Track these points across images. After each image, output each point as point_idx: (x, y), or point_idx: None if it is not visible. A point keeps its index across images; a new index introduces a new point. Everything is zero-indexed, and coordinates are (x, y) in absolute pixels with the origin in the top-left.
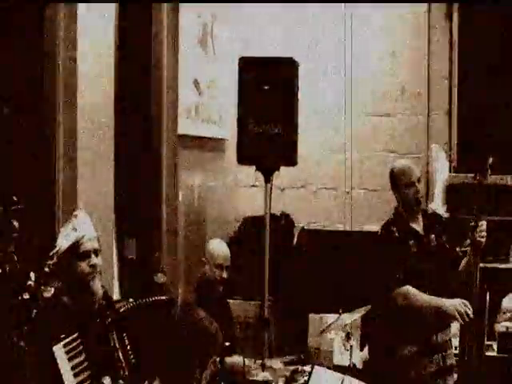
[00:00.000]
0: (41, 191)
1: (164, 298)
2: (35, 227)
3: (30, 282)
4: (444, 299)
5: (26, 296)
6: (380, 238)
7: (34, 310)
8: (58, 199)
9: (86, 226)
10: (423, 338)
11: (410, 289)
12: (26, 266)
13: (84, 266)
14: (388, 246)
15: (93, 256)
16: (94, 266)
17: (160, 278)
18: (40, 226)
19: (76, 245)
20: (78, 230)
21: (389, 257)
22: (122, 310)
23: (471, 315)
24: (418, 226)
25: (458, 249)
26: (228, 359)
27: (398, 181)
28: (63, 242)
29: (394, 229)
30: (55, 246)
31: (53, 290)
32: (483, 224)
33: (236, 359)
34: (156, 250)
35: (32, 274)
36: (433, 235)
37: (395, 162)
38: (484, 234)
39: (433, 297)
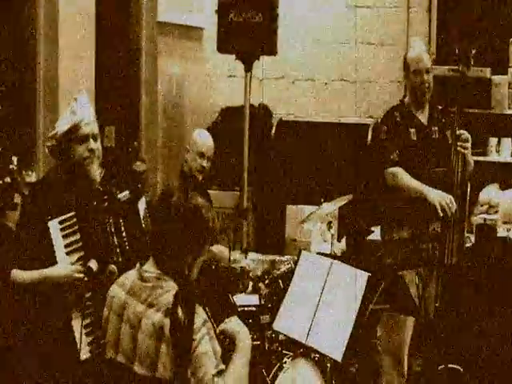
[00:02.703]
0: (23, 75)
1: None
2: (17, 113)
3: (11, 166)
4: (431, 189)
5: (8, 180)
6: (381, 121)
7: (16, 194)
8: (38, 84)
9: (85, 109)
10: (414, 225)
11: (400, 170)
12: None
13: (82, 149)
14: (388, 128)
15: (91, 140)
16: (92, 151)
17: (139, 166)
18: (21, 112)
19: (74, 128)
20: (77, 114)
21: (387, 138)
22: (120, 196)
23: (453, 210)
24: (422, 117)
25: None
26: (214, 247)
27: (408, 67)
28: (62, 125)
29: (397, 114)
30: (54, 128)
31: (34, 174)
32: (464, 133)
33: (221, 247)
34: (135, 138)
35: (14, 158)
36: (436, 128)
37: (410, 48)
38: (468, 145)
39: (421, 183)
